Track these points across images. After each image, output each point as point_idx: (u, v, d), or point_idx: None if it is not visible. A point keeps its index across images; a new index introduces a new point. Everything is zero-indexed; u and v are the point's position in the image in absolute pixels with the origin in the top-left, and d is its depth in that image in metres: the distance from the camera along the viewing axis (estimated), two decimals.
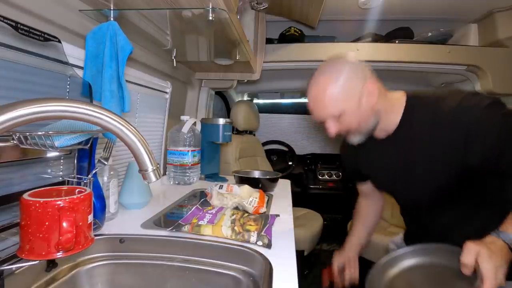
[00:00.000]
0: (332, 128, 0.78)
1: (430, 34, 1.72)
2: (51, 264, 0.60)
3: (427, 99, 0.77)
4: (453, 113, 0.71)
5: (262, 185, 1.22)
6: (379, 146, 0.86)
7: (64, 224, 0.46)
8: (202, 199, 1.06)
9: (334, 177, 2.73)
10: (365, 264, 1.05)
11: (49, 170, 0.74)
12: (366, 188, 1.05)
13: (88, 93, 0.77)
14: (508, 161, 0.68)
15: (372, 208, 1.07)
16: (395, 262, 0.77)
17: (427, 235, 0.88)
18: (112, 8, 0.77)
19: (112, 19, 0.78)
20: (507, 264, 0.60)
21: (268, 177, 1.31)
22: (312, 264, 2.34)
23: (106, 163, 0.75)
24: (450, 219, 0.82)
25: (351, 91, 0.74)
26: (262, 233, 0.75)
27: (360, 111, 0.75)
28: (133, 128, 0.46)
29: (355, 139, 0.82)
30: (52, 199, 0.46)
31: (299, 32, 1.79)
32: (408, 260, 0.76)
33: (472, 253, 0.59)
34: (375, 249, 1.70)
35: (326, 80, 0.75)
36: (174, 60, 1.26)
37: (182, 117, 1.39)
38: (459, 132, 0.70)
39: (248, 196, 1.01)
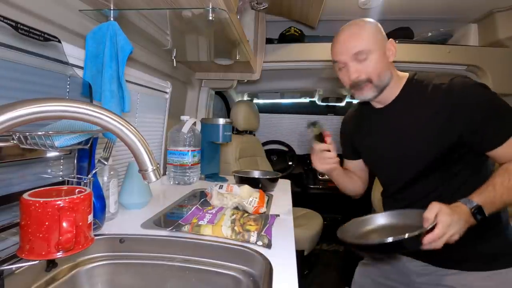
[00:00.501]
0: (354, 72, 0.80)
1: (430, 34, 1.72)
2: (51, 264, 0.60)
3: (425, 77, 0.83)
4: (444, 89, 0.77)
5: (262, 185, 1.22)
6: (374, 117, 0.91)
7: (64, 224, 0.46)
8: (202, 199, 1.06)
9: None
10: (353, 257, 1.05)
11: (49, 170, 0.74)
12: (353, 167, 1.07)
13: (88, 93, 0.77)
14: (490, 134, 0.74)
15: (353, 180, 1.07)
16: (369, 220, 0.85)
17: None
18: (112, 8, 0.77)
19: (112, 19, 0.78)
20: (465, 227, 0.67)
21: (268, 177, 1.31)
22: (312, 264, 2.34)
23: (106, 163, 0.75)
24: (430, 197, 0.82)
25: (380, 38, 0.81)
26: (262, 233, 0.75)
27: (383, 59, 0.80)
28: (133, 128, 0.46)
29: (369, 94, 0.83)
30: (52, 199, 0.46)
31: (299, 32, 1.79)
32: (381, 219, 0.84)
33: (434, 209, 0.66)
34: None
35: (360, 25, 0.81)
36: (174, 60, 1.26)
37: (182, 117, 1.39)
38: (448, 106, 0.75)
39: (248, 196, 1.01)
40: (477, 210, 0.68)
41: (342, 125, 1.08)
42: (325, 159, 0.92)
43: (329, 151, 0.91)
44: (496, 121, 0.74)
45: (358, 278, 1.04)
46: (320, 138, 0.93)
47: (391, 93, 0.85)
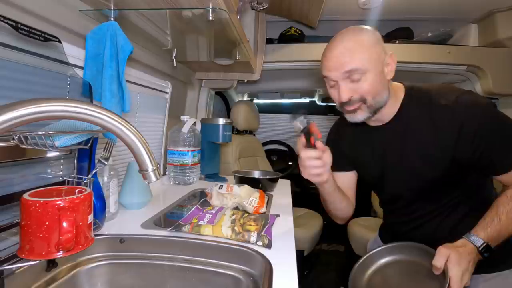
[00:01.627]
0: (345, 92, 0.72)
1: (430, 34, 1.72)
2: (51, 264, 0.60)
3: (425, 93, 0.77)
4: (450, 108, 0.71)
5: (262, 185, 1.22)
6: (372, 135, 0.84)
7: (64, 224, 0.46)
8: (202, 199, 1.06)
9: None
10: (353, 257, 1.05)
11: (49, 170, 0.74)
12: (342, 182, 0.92)
13: (88, 93, 0.77)
14: (500, 158, 0.71)
15: (345, 197, 0.91)
16: (372, 260, 0.83)
17: (404, 227, 0.88)
18: (112, 8, 0.77)
19: (112, 19, 0.78)
20: (474, 266, 0.67)
21: (268, 177, 1.31)
22: (312, 264, 2.34)
23: (106, 163, 0.75)
24: (429, 213, 0.83)
25: (378, 54, 0.72)
26: (262, 233, 0.75)
27: (380, 78, 0.72)
28: (133, 128, 0.46)
29: (362, 116, 0.75)
30: (52, 199, 0.46)
31: (299, 32, 1.79)
32: (385, 257, 0.82)
33: (443, 257, 0.65)
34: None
35: (356, 37, 0.71)
36: (174, 60, 1.26)
37: (182, 117, 1.39)
38: (455, 127, 0.71)
39: (248, 196, 1.01)
40: (485, 249, 0.67)
41: (332, 133, 0.97)
42: (313, 168, 0.73)
43: (319, 158, 0.73)
44: (506, 144, 0.70)
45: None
46: (308, 137, 0.75)
47: (389, 112, 0.79)
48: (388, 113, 0.79)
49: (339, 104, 0.76)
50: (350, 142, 0.91)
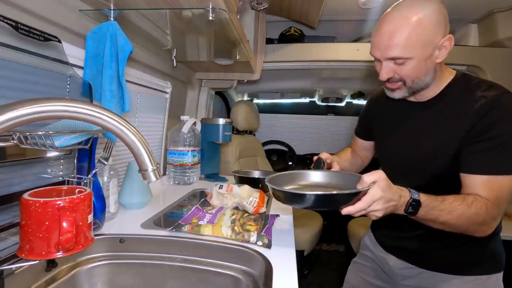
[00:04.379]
0: (386, 73, 0.72)
1: None
2: (51, 264, 0.60)
3: (472, 81, 0.74)
4: (485, 103, 0.68)
5: (262, 185, 1.22)
6: (404, 110, 0.83)
7: (64, 224, 0.46)
8: (202, 199, 1.06)
9: None
10: (353, 257, 1.05)
11: (49, 170, 0.74)
12: (361, 145, 1.05)
13: (88, 93, 0.77)
14: (478, 156, 0.68)
15: (354, 158, 1.07)
16: (305, 175, 0.79)
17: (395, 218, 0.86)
18: (112, 8, 0.77)
19: (112, 19, 0.78)
20: (390, 211, 0.62)
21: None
22: (312, 264, 2.34)
23: (106, 163, 0.75)
24: None
25: (431, 37, 0.68)
26: (262, 233, 0.75)
27: (426, 64, 0.70)
28: (133, 128, 0.46)
29: (399, 95, 0.76)
30: (52, 199, 0.46)
31: (299, 32, 1.79)
32: (319, 176, 0.79)
33: (375, 176, 0.60)
34: None
35: (410, 16, 0.66)
36: (174, 60, 1.26)
37: (182, 117, 1.39)
38: (474, 118, 0.68)
39: (248, 196, 1.01)
40: (414, 204, 0.62)
41: (368, 103, 1.00)
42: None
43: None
44: (502, 153, 0.66)
45: (350, 277, 1.03)
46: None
47: (429, 92, 0.77)
48: (429, 92, 0.77)
49: (380, 78, 0.76)
50: (381, 117, 0.92)
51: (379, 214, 0.61)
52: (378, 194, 0.58)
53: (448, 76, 0.77)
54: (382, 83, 0.79)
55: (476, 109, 0.68)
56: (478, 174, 0.68)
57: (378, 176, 0.60)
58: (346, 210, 0.60)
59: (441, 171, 0.75)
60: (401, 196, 0.62)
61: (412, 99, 0.81)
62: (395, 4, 0.70)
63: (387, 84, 0.77)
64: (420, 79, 0.72)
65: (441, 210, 0.64)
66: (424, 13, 0.66)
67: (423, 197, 0.64)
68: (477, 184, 0.67)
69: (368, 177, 0.60)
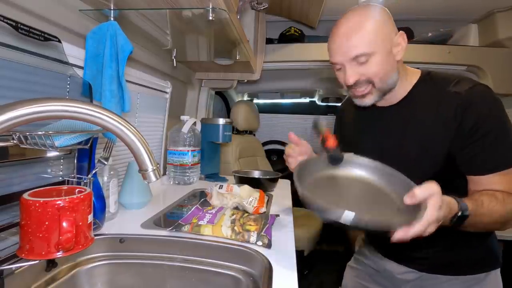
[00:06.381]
0: (352, 76, 0.70)
1: (430, 34, 1.72)
2: (51, 264, 0.60)
3: (441, 79, 0.73)
4: (459, 96, 0.68)
5: (262, 185, 1.22)
6: (376, 116, 0.81)
7: (64, 224, 0.46)
8: (202, 199, 1.06)
9: None
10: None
11: (49, 170, 0.74)
12: None
13: (88, 93, 0.77)
14: (480, 156, 0.67)
15: None
16: (347, 163, 0.73)
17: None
18: (112, 8, 0.77)
19: (112, 19, 0.78)
20: (439, 224, 0.56)
21: (268, 177, 1.31)
22: (312, 264, 2.34)
23: (106, 163, 0.75)
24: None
25: (386, 34, 0.69)
26: (262, 233, 0.75)
27: (388, 60, 0.69)
28: (133, 128, 0.46)
29: (369, 100, 0.74)
30: (52, 199, 0.46)
31: (299, 32, 1.79)
32: (361, 168, 0.72)
33: (429, 192, 0.52)
34: None
35: (362, 17, 0.69)
36: (174, 60, 1.26)
37: (182, 117, 1.39)
38: (457, 115, 0.67)
39: (248, 196, 1.01)
40: (461, 218, 0.59)
41: (339, 112, 0.98)
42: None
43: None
44: (494, 146, 0.66)
45: (347, 280, 1.02)
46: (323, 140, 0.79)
47: (398, 94, 0.76)
48: (397, 94, 0.76)
49: (347, 87, 0.74)
50: (353, 126, 0.89)
51: (428, 233, 0.54)
52: (434, 215, 0.52)
53: (413, 75, 0.77)
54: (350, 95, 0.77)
55: (455, 106, 0.68)
56: (490, 173, 0.67)
57: (432, 190, 0.52)
58: (398, 239, 0.52)
59: (431, 176, 0.70)
60: (451, 209, 0.58)
61: (382, 103, 0.79)
62: (342, 16, 0.74)
63: (355, 91, 0.74)
64: (387, 76, 0.71)
65: (482, 214, 0.61)
66: (374, 13, 0.69)
67: (470, 206, 0.59)
68: (493, 181, 0.66)
69: (420, 192, 0.53)
